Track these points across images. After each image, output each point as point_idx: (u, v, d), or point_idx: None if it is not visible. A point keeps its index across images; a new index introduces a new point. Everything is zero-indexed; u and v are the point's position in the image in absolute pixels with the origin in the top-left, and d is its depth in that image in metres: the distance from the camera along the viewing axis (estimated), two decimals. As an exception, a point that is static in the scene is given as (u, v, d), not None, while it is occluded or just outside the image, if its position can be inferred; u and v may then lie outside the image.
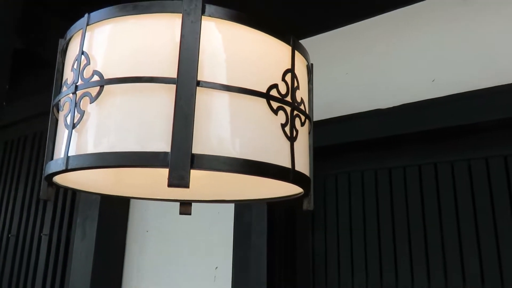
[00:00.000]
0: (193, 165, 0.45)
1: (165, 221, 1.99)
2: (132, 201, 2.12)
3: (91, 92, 0.50)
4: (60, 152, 0.53)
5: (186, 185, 0.44)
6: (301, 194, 0.62)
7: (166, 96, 0.49)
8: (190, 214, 0.81)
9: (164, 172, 0.74)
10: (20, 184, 2.51)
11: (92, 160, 0.47)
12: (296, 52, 0.58)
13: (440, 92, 1.48)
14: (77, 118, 0.50)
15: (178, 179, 0.44)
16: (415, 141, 1.56)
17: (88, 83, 0.51)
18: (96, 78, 0.50)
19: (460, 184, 1.45)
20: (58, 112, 0.60)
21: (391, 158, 1.60)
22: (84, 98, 0.51)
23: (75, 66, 0.53)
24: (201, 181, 0.76)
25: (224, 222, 1.78)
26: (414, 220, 1.49)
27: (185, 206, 0.81)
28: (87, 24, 0.53)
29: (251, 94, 0.51)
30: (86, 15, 0.54)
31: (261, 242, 1.60)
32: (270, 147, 0.52)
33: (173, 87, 0.48)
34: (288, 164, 0.53)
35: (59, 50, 0.63)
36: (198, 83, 0.48)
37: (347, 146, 1.64)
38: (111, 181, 0.73)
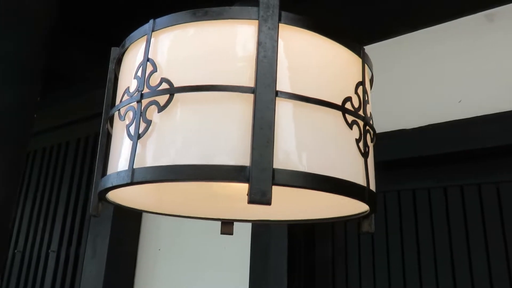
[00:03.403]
0: (274, 181, 0.42)
1: (178, 239, 1.94)
2: (144, 218, 2.07)
3: (158, 101, 0.47)
4: (119, 164, 0.50)
5: (268, 202, 0.41)
6: (363, 214, 0.58)
7: (239, 106, 0.46)
8: (232, 234, 0.77)
9: (210, 189, 0.72)
10: (28, 199, 2.46)
11: (163, 173, 0.44)
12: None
13: (467, 113, 1.46)
14: (143, 128, 0.47)
15: (260, 195, 0.41)
16: (440, 163, 1.52)
17: (156, 91, 0.47)
18: (165, 86, 0.47)
19: (488, 207, 1.41)
20: (111, 123, 0.57)
21: (415, 180, 1.57)
22: (150, 107, 0.47)
23: (138, 74, 0.50)
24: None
25: (240, 241, 1.73)
26: (440, 242, 1.45)
27: (227, 226, 0.77)
28: (153, 30, 0.50)
29: (328, 106, 0.48)
30: (151, 20, 0.51)
31: (281, 264, 1.56)
32: (346, 163, 0.49)
33: (248, 96, 0.45)
34: (362, 182, 0.50)
35: (111, 58, 0.60)
36: (277, 93, 0.45)
37: (370, 166, 1.61)
38: (152, 197, 0.69)
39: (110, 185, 0.48)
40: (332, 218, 0.64)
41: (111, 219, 1.95)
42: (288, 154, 0.45)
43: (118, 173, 0.48)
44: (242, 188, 0.69)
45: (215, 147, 0.45)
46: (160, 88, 0.48)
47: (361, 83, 0.54)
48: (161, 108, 0.47)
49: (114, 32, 2.04)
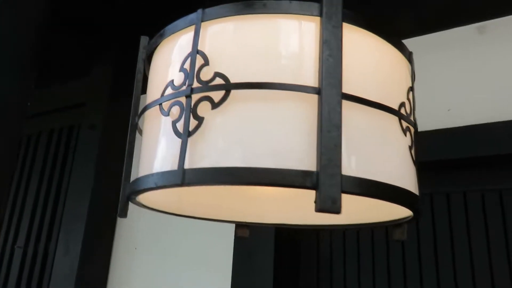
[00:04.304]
0: (342, 187, 0.39)
1: (156, 237, 1.88)
2: (120, 215, 1.99)
3: (212, 97, 0.44)
4: (159, 164, 0.46)
5: (338, 210, 0.38)
6: (401, 221, 0.57)
7: (300, 107, 0.43)
8: (247, 237, 0.74)
9: (232, 192, 0.68)
10: (-7, 191, 2.32)
11: (220, 176, 0.40)
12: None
13: (456, 122, 1.48)
14: (193, 125, 0.44)
15: (330, 203, 0.38)
16: (427, 171, 1.54)
17: (209, 87, 0.44)
18: (219, 81, 0.44)
19: (473, 216, 1.44)
20: (137, 121, 0.53)
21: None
22: (202, 103, 0.44)
23: (185, 66, 0.46)
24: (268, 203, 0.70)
25: (223, 240, 1.70)
26: (425, 245, 1.47)
27: (242, 229, 0.74)
28: (202, 21, 0.47)
29: (387, 111, 0.46)
30: (200, 10, 0.47)
31: (266, 267, 1.53)
32: (403, 171, 0.47)
33: (310, 97, 0.43)
34: (415, 191, 0.48)
35: (141, 47, 0.56)
36: (343, 95, 0.42)
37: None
38: (173, 198, 0.65)
39: (153, 186, 0.44)
40: (363, 224, 0.62)
41: (85, 215, 1.87)
42: (351, 160, 0.43)
43: (163, 173, 0.44)
44: (262, 190, 0.67)
45: (276, 149, 0.42)
46: (214, 83, 0.44)
47: (412, 88, 0.52)
48: (215, 105, 0.43)
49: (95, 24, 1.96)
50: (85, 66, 2.12)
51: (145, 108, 0.51)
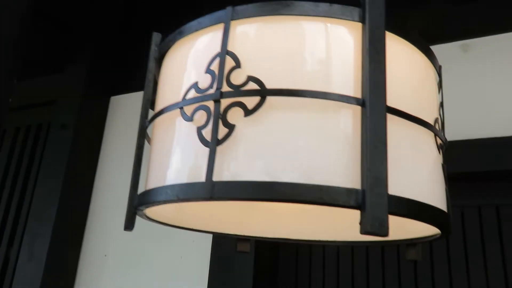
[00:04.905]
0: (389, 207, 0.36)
1: (127, 244, 1.80)
2: (89, 219, 1.90)
3: (245, 103, 0.40)
4: (180, 174, 0.42)
5: (386, 233, 0.35)
6: (426, 239, 0.54)
7: (341, 118, 0.40)
8: (248, 251, 0.70)
9: (231, 206, 0.64)
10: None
11: (256, 191, 0.36)
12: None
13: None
14: (223, 133, 0.39)
15: (378, 225, 0.35)
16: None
17: (241, 91, 0.40)
18: (252, 85, 0.40)
19: (456, 231, 1.45)
20: (147, 125, 0.49)
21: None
22: (233, 109, 0.40)
23: (212, 68, 0.42)
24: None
25: (198, 250, 1.64)
26: (405, 271, 1.47)
27: (243, 243, 0.70)
28: (232, 19, 0.43)
29: (426, 126, 0.43)
30: (230, 8, 0.43)
31: (245, 279, 1.48)
32: (439, 191, 0.44)
33: (352, 108, 0.39)
34: (447, 211, 0.46)
35: (153, 45, 0.52)
36: (387, 109, 0.39)
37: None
38: (172, 208, 0.60)
39: (174, 198, 0.39)
40: (385, 241, 0.60)
41: (53, 219, 1.77)
42: (393, 178, 0.40)
43: (188, 185, 0.39)
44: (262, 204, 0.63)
45: (316, 164, 0.38)
46: (247, 88, 0.40)
47: (441, 103, 0.50)
48: (248, 112, 0.39)
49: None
50: (58, 63, 2.03)
51: (161, 112, 0.46)
